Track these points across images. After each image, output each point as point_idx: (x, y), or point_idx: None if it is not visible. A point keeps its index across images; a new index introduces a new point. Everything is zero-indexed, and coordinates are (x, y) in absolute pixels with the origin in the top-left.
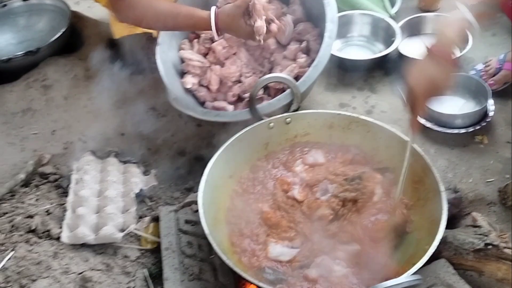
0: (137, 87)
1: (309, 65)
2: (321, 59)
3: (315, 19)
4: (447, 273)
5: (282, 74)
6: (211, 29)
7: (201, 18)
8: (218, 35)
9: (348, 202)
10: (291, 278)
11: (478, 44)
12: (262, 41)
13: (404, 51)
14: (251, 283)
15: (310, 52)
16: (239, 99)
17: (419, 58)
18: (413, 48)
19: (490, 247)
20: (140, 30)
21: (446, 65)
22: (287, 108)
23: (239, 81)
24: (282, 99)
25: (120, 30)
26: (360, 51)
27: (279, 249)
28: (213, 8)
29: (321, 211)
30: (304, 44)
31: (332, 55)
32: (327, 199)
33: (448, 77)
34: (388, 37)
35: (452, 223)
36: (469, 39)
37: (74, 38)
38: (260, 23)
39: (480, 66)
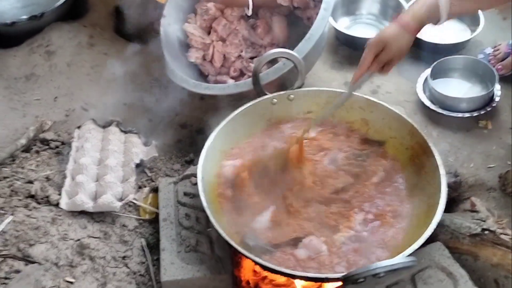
0: (141, 58)
1: None
2: (314, 32)
3: None
4: (442, 256)
5: (287, 50)
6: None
7: None
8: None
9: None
10: (276, 251)
11: (488, 27)
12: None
13: None
14: (246, 257)
15: None
16: (241, 73)
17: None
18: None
19: (487, 232)
20: None
21: (407, 36)
22: (286, 80)
23: (240, 56)
24: (277, 69)
25: None
26: (368, 29)
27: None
28: None
29: (334, 182)
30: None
31: (339, 33)
32: (335, 169)
33: (403, 48)
34: (397, 16)
35: (450, 206)
36: (480, 22)
37: (79, 4)
38: None
39: (489, 50)
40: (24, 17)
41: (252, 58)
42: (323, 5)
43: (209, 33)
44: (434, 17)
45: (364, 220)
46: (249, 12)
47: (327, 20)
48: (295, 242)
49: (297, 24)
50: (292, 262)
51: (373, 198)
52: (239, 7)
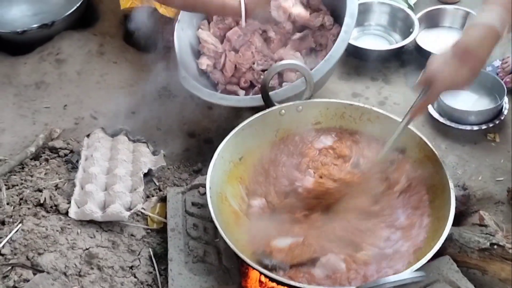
0: (150, 66)
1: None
2: (334, 54)
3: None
4: (451, 270)
5: (296, 61)
6: (239, 16)
7: (231, 6)
8: (246, 22)
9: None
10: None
11: None
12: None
13: (421, 43)
14: (254, 268)
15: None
16: (251, 85)
17: (445, 51)
18: (430, 40)
19: (495, 247)
20: (144, 2)
21: (471, 67)
22: (300, 96)
23: (251, 68)
24: (295, 87)
25: (125, 1)
26: (376, 40)
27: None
28: None
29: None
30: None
31: (348, 44)
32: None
33: (469, 79)
34: (406, 28)
35: (458, 220)
36: None
37: (89, 13)
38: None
39: (497, 63)
40: (35, 25)
41: (263, 70)
42: (344, 28)
43: (222, 41)
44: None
45: (389, 237)
46: (243, 24)
47: (347, 43)
48: (313, 262)
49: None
50: (306, 278)
51: (398, 209)
52: (232, 17)
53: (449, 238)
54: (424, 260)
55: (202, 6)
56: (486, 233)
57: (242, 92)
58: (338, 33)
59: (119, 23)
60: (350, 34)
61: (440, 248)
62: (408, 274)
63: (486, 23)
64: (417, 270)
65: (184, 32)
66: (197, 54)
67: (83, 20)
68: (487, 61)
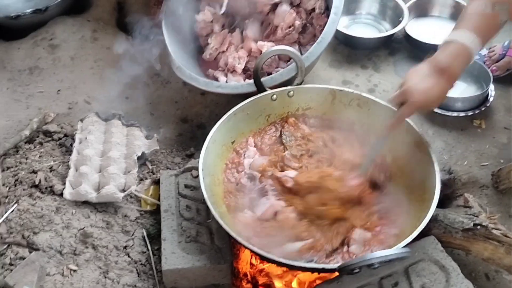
0: (143, 52)
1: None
2: (325, 36)
3: None
4: (435, 249)
5: (287, 47)
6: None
7: None
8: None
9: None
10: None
11: None
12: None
13: (410, 32)
14: (246, 247)
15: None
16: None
17: (421, 67)
18: (419, 29)
19: (479, 227)
20: None
21: (445, 84)
22: (291, 82)
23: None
24: (284, 73)
25: None
26: (366, 29)
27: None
28: None
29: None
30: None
31: (339, 32)
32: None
33: (444, 95)
34: (395, 17)
35: (444, 203)
36: None
37: None
38: None
39: (484, 51)
40: (28, 10)
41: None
42: (333, 10)
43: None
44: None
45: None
46: (221, 11)
47: (337, 24)
48: (343, 243)
49: None
50: (345, 258)
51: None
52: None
53: (434, 219)
54: (409, 239)
55: None
56: (470, 214)
57: (223, 79)
58: (325, 24)
59: (113, 8)
60: (339, 16)
61: (425, 228)
62: (394, 250)
63: (460, 41)
64: (403, 247)
65: (173, 20)
66: (189, 39)
67: (76, 5)
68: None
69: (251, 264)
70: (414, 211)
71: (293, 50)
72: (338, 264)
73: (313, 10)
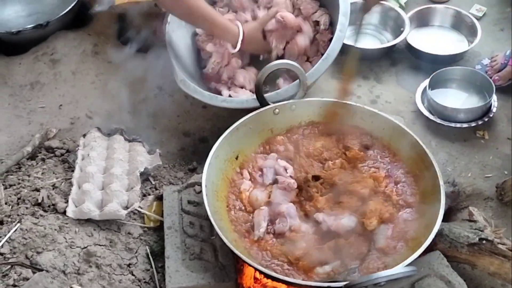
0: (145, 66)
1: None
2: (331, 53)
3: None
4: (441, 265)
5: (290, 61)
6: (235, 42)
7: (232, 31)
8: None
9: None
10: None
11: (486, 38)
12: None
13: (412, 42)
14: (250, 265)
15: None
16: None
17: None
18: (421, 39)
19: (484, 242)
20: None
21: None
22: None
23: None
24: (290, 89)
25: None
26: (368, 39)
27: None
28: (239, 24)
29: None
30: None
31: None
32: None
33: None
34: (396, 27)
35: (448, 215)
36: (477, 33)
37: (84, 13)
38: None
39: (486, 61)
40: (29, 26)
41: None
42: (338, 27)
43: None
44: None
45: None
46: (234, 51)
47: (342, 41)
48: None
49: None
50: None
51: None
52: (229, 42)
53: (439, 234)
54: (415, 255)
55: (205, 23)
56: (475, 229)
57: (226, 93)
58: (329, 40)
59: (113, 22)
60: (345, 33)
61: (430, 243)
62: (399, 269)
63: None
64: (408, 265)
65: (176, 32)
66: (191, 51)
67: (77, 20)
68: None
69: (255, 279)
70: (419, 225)
71: (296, 64)
72: (345, 283)
73: (317, 23)
